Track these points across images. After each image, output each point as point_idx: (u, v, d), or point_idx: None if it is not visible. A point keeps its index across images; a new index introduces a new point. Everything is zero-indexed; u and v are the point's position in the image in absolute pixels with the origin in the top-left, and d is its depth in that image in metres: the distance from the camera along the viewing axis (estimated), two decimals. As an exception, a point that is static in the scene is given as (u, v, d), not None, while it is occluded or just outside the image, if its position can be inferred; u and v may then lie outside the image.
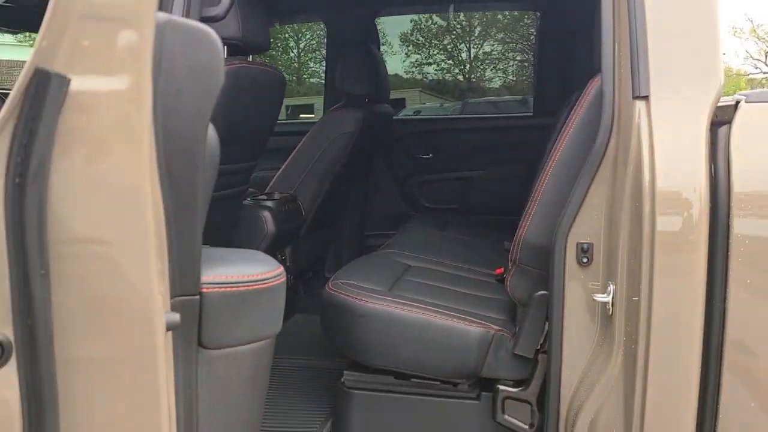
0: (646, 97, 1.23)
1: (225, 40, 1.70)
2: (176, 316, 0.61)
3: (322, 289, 1.77)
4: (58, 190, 0.55)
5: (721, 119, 1.25)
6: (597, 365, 1.32)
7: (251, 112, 1.91)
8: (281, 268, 0.83)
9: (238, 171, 2.01)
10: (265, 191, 2.55)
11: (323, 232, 2.95)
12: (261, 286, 0.74)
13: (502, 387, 1.59)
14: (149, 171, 0.58)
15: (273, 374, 2.15)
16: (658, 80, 1.23)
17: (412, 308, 1.62)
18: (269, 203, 2.33)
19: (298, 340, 2.42)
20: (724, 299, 1.18)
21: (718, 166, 1.20)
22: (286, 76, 2.23)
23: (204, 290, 0.67)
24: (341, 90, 2.77)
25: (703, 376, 1.21)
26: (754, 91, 1.42)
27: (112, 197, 0.57)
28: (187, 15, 1.39)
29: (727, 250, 1.17)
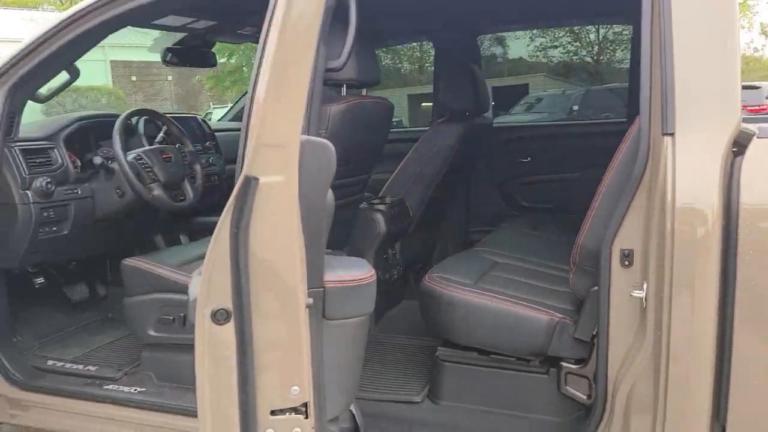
0: (672, 134, 1.53)
1: (344, 81, 2.15)
2: (310, 300, 1.03)
3: (421, 281, 2.20)
4: (253, 235, 0.99)
5: (740, 150, 1.52)
6: (635, 348, 1.64)
7: (366, 136, 2.36)
8: (373, 271, 1.25)
9: (355, 183, 2.48)
10: (378, 195, 3.01)
11: (430, 230, 3.37)
12: (359, 283, 1.17)
13: (565, 364, 1.94)
14: (297, 222, 1.01)
15: (383, 349, 2.62)
16: (683, 120, 1.53)
17: (491, 298, 2.00)
18: (381, 207, 2.79)
19: (405, 323, 2.86)
20: (734, 295, 1.46)
21: (731, 191, 1.48)
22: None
23: (326, 285, 1.10)
24: (445, 106, 3.17)
25: (718, 357, 1.50)
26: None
27: (279, 236, 1.00)
28: (315, 72, 1.84)
29: (736, 256, 1.45)
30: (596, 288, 1.77)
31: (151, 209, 2.95)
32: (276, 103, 0.99)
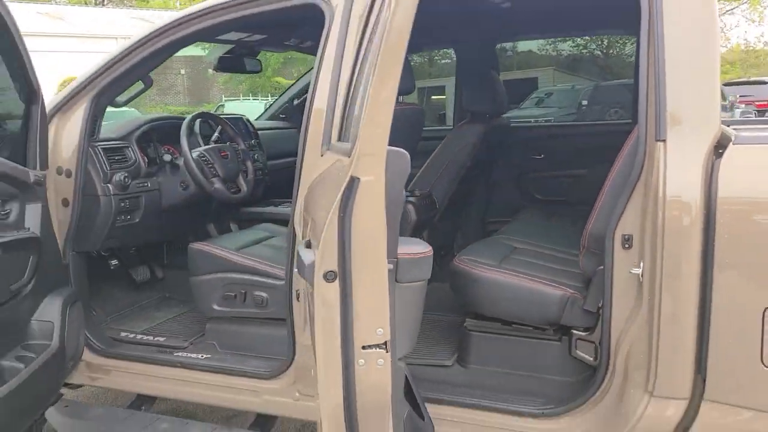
0: (664, 140, 1.88)
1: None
2: (390, 266, 1.40)
3: (451, 262, 2.56)
4: (354, 219, 1.35)
5: (719, 153, 1.86)
6: (632, 316, 2.00)
7: (402, 138, 2.72)
8: (430, 248, 1.61)
9: None
10: (408, 188, 3.37)
11: (453, 219, 3.73)
12: (421, 256, 1.53)
13: (575, 332, 2.30)
14: (383, 210, 1.37)
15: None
16: (673, 129, 1.87)
17: (513, 276, 2.37)
18: (412, 198, 3.15)
19: (433, 301, 3.21)
20: (712, 270, 1.81)
21: (711, 187, 1.82)
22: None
23: (399, 257, 1.47)
24: (467, 109, 3.52)
25: (699, 322, 1.85)
26: (744, 132, 1.99)
27: (371, 220, 1.37)
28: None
29: (714, 239, 1.80)
30: (602, 267, 2.12)
31: (206, 200, 3.34)
32: (371, 122, 1.35)
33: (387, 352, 1.38)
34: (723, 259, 1.81)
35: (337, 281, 1.35)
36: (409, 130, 2.78)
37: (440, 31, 3.79)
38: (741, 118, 4.49)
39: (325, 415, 1.42)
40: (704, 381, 1.88)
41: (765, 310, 1.77)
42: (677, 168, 1.85)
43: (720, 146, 1.88)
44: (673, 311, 1.87)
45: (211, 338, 2.87)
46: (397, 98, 2.86)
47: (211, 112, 3.43)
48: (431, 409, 2.22)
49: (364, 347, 1.37)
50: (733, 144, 1.86)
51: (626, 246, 2.00)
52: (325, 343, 1.38)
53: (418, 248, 1.52)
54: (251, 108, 21.65)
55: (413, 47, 4.29)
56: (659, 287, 1.87)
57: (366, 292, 1.36)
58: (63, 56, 21.23)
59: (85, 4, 42.81)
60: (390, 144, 2.46)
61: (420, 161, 3.47)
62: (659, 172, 1.87)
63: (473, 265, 2.46)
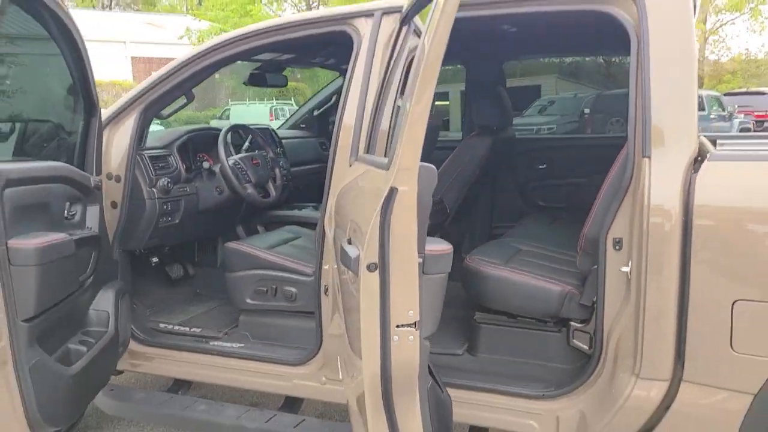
0: (649, 157, 2.18)
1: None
2: (420, 260, 1.70)
3: (461, 263, 2.86)
4: (392, 221, 1.65)
5: (696, 168, 2.16)
6: (622, 309, 2.29)
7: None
8: (450, 246, 1.91)
9: None
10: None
11: (461, 224, 4.04)
12: (444, 252, 1.85)
13: (573, 324, 2.60)
14: (415, 215, 1.68)
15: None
16: (657, 147, 2.18)
17: (518, 274, 2.68)
18: (427, 205, 3.46)
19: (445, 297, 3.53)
20: (690, 269, 2.11)
21: (689, 197, 2.13)
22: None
23: (426, 252, 1.77)
24: (476, 123, 3.84)
25: (679, 313, 2.15)
26: (720, 149, 2.29)
27: (405, 222, 1.69)
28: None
29: (691, 241, 2.10)
30: (596, 266, 2.42)
31: (237, 204, 3.65)
32: (408, 140, 1.66)
33: (416, 330, 1.69)
34: (698, 259, 2.11)
35: (377, 271, 1.65)
36: (427, 140, 3.08)
37: (453, 50, 4.09)
38: (732, 133, 4.80)
39: (366, 383, 1.72)
40: (683, 365, 2.17)
41: (734, 303, 2.07)
42: (660, 181, 2.16)
43: (698, 160, 2.19)
44: (656, 304, 2.16)
45: (243, 329, 3.18)
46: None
47: (243, 123, 3.74)
48: (444, 393, 2.52)
49: (398, 326, 1.68)
50: (708, 161, 2.16)
51: (617, 248, 2.29)
52: (367, 322, 1.69)
53: (442, 246, 1.82)
54: (257, 111, 22.07)
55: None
56: (644, 284, 2.17)
57: (400, 281, 1.67)
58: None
59: (93, 7, 43.28)
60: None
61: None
62: (645, 184, 2.17)
63: (483, 263, 2.77)
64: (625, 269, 2.26)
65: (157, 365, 3.18)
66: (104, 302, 2.80)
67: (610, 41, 3.46)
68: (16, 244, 2.15)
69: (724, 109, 18.73)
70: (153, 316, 3.48)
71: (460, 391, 2.56)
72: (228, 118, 22.68)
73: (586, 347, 2.57)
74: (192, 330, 3.28)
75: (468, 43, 3.91)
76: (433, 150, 3.28)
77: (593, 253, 2.45)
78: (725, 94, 26.18)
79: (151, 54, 30.68)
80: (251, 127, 3.77)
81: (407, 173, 1.64)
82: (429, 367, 2.10)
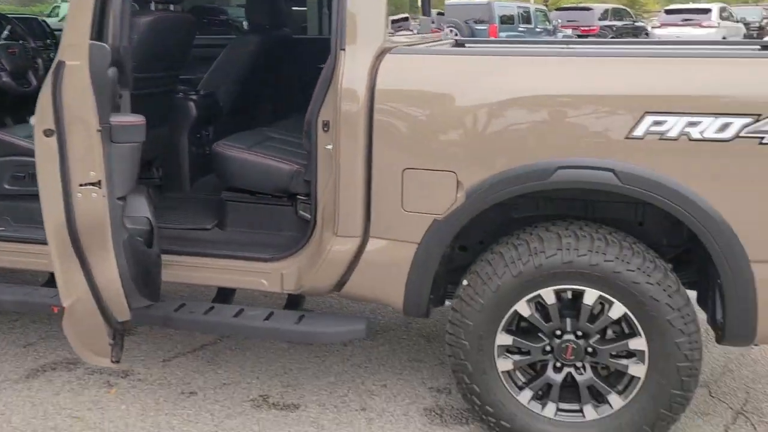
0: (344, 49, 2.56)
1: (153, -1, 2.98)
2: (100, 128, 2.01)
3: (212, 147, 3.16)
4: (64, 91, 1.91)
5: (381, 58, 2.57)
6: (327, 181, 2.71)
7: (171, 41, 3.21)
8: (142, 119, 2.15)
9: (165, 76, 3.34)
10: (196, 89, 3.88)
11: (241, 117, 4.30)
12: (130, 124, 2.15)
13: (299, 197, 3.01)
14: (88, 90, 1.94)
15: (192, 199, 3.58)
16: (350, 41, 2.55)
17: (255, 156, 3.03)
18: (193, 96, 3.68)
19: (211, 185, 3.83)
20: (371, 144, 2.55)
21: (374, 82, 2.54)
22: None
23: (112, 123, 2.09)
24: (247, 18, 4.04)
25: (366, 177, 2.60)
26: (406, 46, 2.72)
27: (80, 91, 1.93)
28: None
29: (373, 119, 2.53)
30: (312, 144, 2.81)
31: (1, 95, 3.65)
32: (70, 19, 1.87)
33: (100, 189, 1.98)
34: (378, 135, 2.56)
35: (55, 136, 1.91)
36: (178, 33, 3.27)
37: None
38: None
39: (50, 233, 2.01)
40: (370, 223, 2.67)
41: (404, 171, 2.55)
42: (352, 69, 2.55)
43: (385, 52, 2.60)
44: (349, 174, 2.61)
45: (3, 214, 3.28)
46: (168, 7, 3.33)
47: (3, 14, 3.67)
48: (194, 260, 2.89)
49: (81, 185, 1.96)
50: (389, 53, 2.58)
51: (325, 129, 2.68)
52: (44, 181, 1.95)
53: (130, 119, 2.10)
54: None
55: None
56: (340, 157, 2.60)
57: (79, 145, 1.94)
58: None
59: None
60: (157, 46, 2.96)
61: (208, 66, 3.99)
62: (340, 72, 2.56)
63: (227, 148, 3.09)
64: (329, 147, 2.67)
65: None
66: None
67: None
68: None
69: (549, 23, 20.07)
70: None
71: (207, 259, 2.93)
72: (57, 16, 20.73)
73: (308, 216, 3.00)
74: None
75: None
76: (190, 45, 3.46)
77: (311, 135, 2.83)
78: (557, 9, 27.76)
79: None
80: (10, 16, 3.71)
81: (74, 49, 1.87)
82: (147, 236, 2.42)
